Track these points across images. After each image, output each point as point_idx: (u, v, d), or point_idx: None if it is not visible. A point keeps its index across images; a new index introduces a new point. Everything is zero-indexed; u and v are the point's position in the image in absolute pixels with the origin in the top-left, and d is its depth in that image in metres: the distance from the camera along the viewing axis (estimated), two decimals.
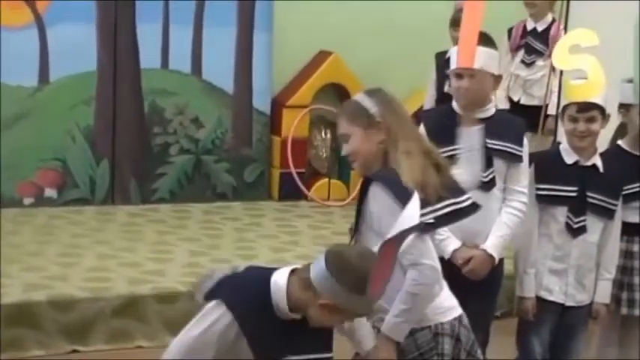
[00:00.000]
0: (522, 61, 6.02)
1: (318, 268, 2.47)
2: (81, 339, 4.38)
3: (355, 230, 2.86)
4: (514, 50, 6.10)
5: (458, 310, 2.85)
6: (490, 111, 3.50)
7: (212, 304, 2.52)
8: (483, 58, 3.42)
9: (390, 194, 2.72)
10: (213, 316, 2.50)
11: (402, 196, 2.67)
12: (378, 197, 2.76)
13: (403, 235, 2.45)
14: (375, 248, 2.49)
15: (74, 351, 4.36)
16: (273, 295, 2.51)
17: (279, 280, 2.53)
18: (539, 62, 5.92)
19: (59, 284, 4.55)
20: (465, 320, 2.86)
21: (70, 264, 4.87)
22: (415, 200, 2.63)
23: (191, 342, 2.53)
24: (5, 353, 4.22)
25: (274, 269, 2.59)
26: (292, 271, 2.55)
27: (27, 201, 5.90)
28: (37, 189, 5.92)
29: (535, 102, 5.90)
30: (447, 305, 2.84)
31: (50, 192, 5.96)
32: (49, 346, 4.32)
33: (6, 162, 5.77)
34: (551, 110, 5.30)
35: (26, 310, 4.31)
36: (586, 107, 3.52)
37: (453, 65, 3.49)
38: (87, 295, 4.45)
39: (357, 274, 2.42)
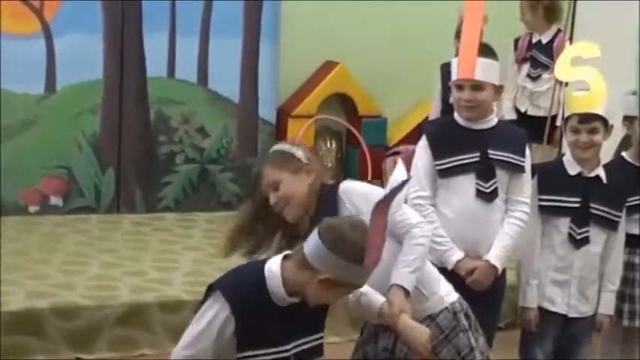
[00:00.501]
0: (528, 75, 6.06)
1: (312, 245, 2.50)
2: (85, 347, 4.40)
3: None
4: (520, 62, 6.13)
5: (455, 292, 3.05)
6: (492, 121, 3.52)
7: (211, 298, 2.57)
8: (484, 69, 3.44)
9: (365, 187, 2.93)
10: (213, 310, 2.54)
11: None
12: (357, 192, 2.89)
13: (393, 193, 2.50)
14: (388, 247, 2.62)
15: (78, 359, 4.39)
16: (269, 282, 2.54)
17: (273, 266, 2.56)
18: (545, 75, 5.95)
19: (64, 292, 4.58)
20: (462, 298, 3.04)
21: (74, 272, 4.90)
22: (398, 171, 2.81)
23: (192, 339, 2.57)
24: None
25: (268, 259, 2.63)
26: (285, 257, 2.59)
27: (32, 209, 5.93)
28: (42, 197, 5.96)
29: (541, 113, 5.94)
30: (450, 286, 3.03)
31: (55, 200, 5.99)
32: (53, 353, 4.35)
33: (11, 169, 5.81)
34: (559, 121, 5.33)
35: (30, 317, 4.34)
36: (588, 118, 3.53)
37: (454, 76, 3.50)
38: (91, 303, 4.48)
39: (353, 244, 2.46)
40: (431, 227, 2.97)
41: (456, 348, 2.92)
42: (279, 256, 2.60)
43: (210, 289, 2.60)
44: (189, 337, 2.59)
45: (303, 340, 2.62)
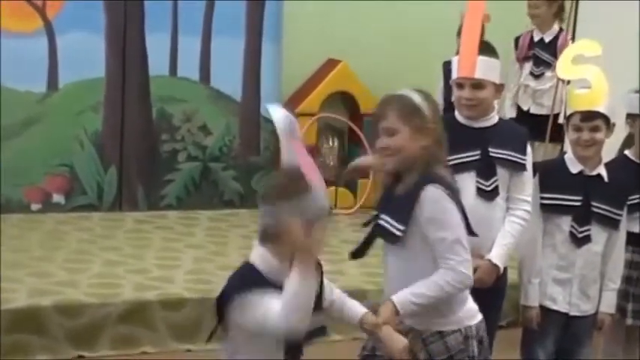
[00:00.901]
0: (531, 73, 6.06)
1: (265, 214, 2.58)
2: (87, 344, 4.41)
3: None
4: (521, 60, 6.13)
5: (480, 314, 2.95)
6: (493, 120, 3.51)
7: (235, 302, 2.55)
8: (484, 68, 3.43)
9: (446, 196, 2.79)
10: (262, 303, 2.51)
11: (455, 198, 2.79)
12: (435, 198, 2.79)
13: (290, 130, 2.64)
14: (421, 255, 2.75)
15: (80, 356, 4.39)
16: (260, 267, 2.59)
17: (254, 254, 2.63)
18: (548, 73, 5.95)
19: (66, 290, 4.59)
20: (484, 323, 2.95)
21: (77, 270, 4.91)
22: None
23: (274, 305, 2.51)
24: (11, 358, 4.25)
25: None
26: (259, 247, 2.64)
27: (34, 207, 5.94)
28: (44, 195, 5.97)
29: (544, 111, 5.95)
30: (474, 308, 2.94)
31: (58, 198, 6.00)
32: (55, 351, 4.35)
33: (14, 167, 5.81)
34: (562, 119, 5.32)
35: (32, 315, 4.34)
36: (590, 116, 3.53)
37: (454, 75, 3.50)
38: (93, 301, 4.49)
39: (291, 181, 2.55)
40: (468, 278, 2.83)
41: None
42: (256, 249, 2.64)
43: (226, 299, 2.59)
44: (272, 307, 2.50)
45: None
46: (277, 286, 2.51)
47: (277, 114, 2.70)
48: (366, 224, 3.03)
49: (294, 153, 2.59)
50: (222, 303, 2.61)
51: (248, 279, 2.58)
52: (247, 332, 2.57)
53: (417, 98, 2.86)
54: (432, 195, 2.79)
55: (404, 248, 2.84)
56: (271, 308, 2.48)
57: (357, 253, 3.04)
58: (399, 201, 2.84)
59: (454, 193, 2.84)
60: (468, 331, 2.88)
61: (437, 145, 2.85)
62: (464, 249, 2.79)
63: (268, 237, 2.59)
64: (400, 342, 2.79)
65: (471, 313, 2.93)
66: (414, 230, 2.82)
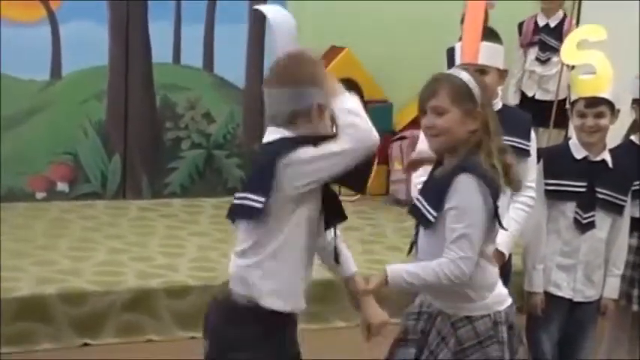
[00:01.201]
0: (537, 58, 6.03)
1: (286, 97, 2.63)
2: (91, 332, 4.41)
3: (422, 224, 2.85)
4: (525, 46, 6.10)
5: (509, 298, 2.90)
6: (497, 106, 3.47)
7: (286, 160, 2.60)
8: (488, 54, 3.42)
9: (477, 187, 2.71)
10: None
11: (490, 188, 2.71)
12: (464, 188, 2.72)
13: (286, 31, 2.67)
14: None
15: (85, 344, 4.40)
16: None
17: (271, 136, 2.68)
18: (554, 58, 5.93)
19: (70, 278, 4.59)
20: (514, 307, 2.91)
21: (81, 258, 4.91)
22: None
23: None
24: (16, 346, 4.26)
25: None
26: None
27: (39, 195, 5.94)
28: (49, 183, 5.97)
29: (550, 97, 5.93)
30: (504, 293, 2.89)
31: (62, 186, 6.00)
32: (60, 339, 4.36)
33: (18, 156, 5.81)
34: (567, 105, 5.30)
35: (37, 303, 4.35)
36: (594, 102, 3.51)
37: (458, 61, 3.48)
38: (98, 289, 4.49)
39: (310, 67, 2.64)
40: (465, 276, 2.74)
41: (486, 356, 2.81)
42: (274, 130, 2.69)
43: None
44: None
45: None
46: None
47: (271, 12, 2.69)
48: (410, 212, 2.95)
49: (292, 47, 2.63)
50: (265, 172, 2.61)
51: (287, 141, 2.62)
52: (296, 192, 2.62)
53: (469, 80, 2.78)
54: (463, 184, 2.71)
55: (435, 233, 2.78)
56: (324, 145, 2.58)
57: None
58: (435, 185, 2.80)
59: (490, 183, 2.74)
60: (497, 316, 2.83)
61: (484, 131, 2.77)
62: (470, 246, 2.71)
63: (291, 118, 2.63)
64: (379, 316, 2.81)
65: (500, 298, 2.87)
66: (445, 216, 2.76)
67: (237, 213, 2.70)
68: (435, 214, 2.76)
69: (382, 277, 2.74)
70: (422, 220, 2.82)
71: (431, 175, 2.87)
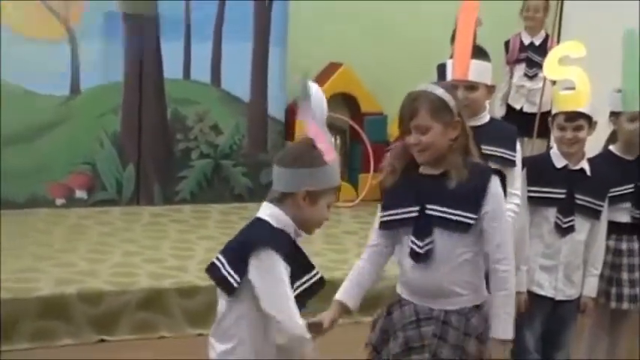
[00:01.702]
0: (525, 74, 6.08)
1: (279, 178, 2.66)
2: (108, 329, 4.44)
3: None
4: (512, 63, 6.14)
5: None
6: (484, 118, 3.52)
7: (265, 254, 2.61)
8: (477, 71, 3.44)
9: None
10: (278, 266, 2.60)
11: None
12: (500, 190, 2.84)
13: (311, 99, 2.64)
14: (479, 241, 2.77)
15: (102, 340, 4.42)
16: (274, 224, 2.67)
17: (265, 212, 2.70)
18: (541, 74, 5.96)
19: (88, 279, 4.62)
20: None
21: (98, 260, 4.94)
22: None
23: (287, 298, 2.61)
24: (38, 342, 4.28)
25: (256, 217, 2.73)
26: (271, 205, 2.70)
27: (59, 202, 5.97)
28: (68, 191, 6.00)
29: (536, 109, 5.95)
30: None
31: (80, 193, 6.03)
32: (79, 335, 4.38)
33: (40, 165, 5.85)
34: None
35: (57, 302, 4.37)
36: (573, 116, 3.53)
37: (449, 77, 3.51)
38: (114, 289, 4.52)
39: (308, 152, 2.62)
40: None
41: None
42: (264, 206, 2.71)
43: (251, 250, 2.64)
44: (284, 299, 2.61)
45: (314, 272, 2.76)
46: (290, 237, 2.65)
47: (314, 89, 2.71)
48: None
49: (309, 124, 2.64)
50: (241, 255, 2.65)
51: (269, 232, 2.64)
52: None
53: (442, 93, 2.80)
54: (496, 186, 2.81)
55: (470, 236, 2.79)
56: (280, 300, 2.59)
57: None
58: (461, 191, 2.77)
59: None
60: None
61: (464, 136, 2.82)
62: (511, 251, 2.87)
63: (285, 198, 2.67)
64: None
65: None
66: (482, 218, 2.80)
67: (218, 283, 2.79)
68: (474, 216, 2.76)
69: (500, 344, 2.85)
70: (460, 227, 2.77)
71: (437, 185, 2.82)
